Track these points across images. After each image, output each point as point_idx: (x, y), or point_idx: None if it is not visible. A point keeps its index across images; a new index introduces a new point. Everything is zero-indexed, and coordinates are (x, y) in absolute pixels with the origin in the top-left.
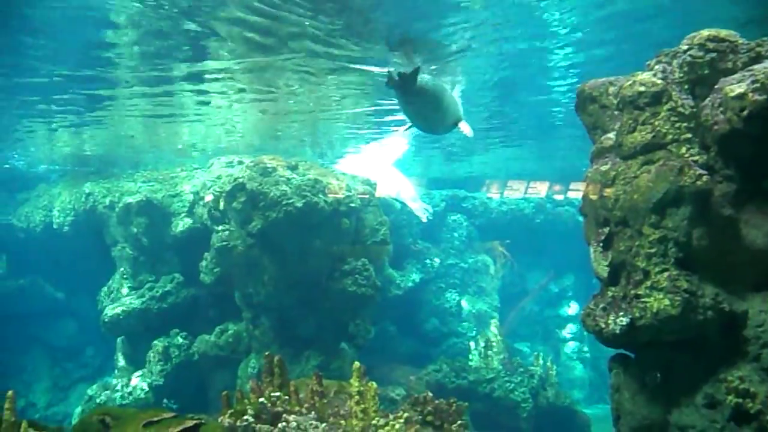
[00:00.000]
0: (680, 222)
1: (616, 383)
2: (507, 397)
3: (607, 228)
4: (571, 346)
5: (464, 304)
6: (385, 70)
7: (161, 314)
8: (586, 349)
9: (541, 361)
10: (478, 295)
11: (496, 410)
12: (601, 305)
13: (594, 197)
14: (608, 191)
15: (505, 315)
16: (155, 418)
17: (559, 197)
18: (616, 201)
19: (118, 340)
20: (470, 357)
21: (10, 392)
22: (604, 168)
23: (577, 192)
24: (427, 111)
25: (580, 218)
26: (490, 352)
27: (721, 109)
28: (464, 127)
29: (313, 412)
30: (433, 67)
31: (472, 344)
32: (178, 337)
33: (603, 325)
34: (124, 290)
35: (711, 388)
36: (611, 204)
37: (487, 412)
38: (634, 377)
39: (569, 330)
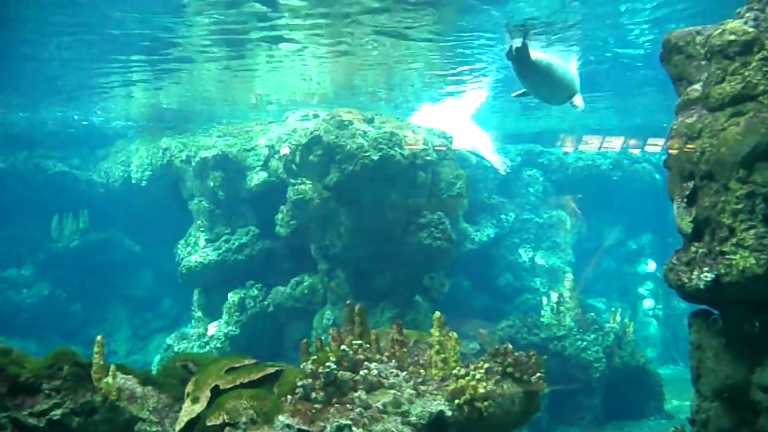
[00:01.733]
0: None
1: (697, 340)
2: (578, 356)
3: (692, 182)
4: (647, 304)
5: (538, 259)
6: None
7: (237, 266)
8: (660, 306)
9: (618, 318)
10: (553, 250)
11: (568, 367)
12: (685, 260)
13: (678, 150)
14: (694, 144)
15: (579, 270)
16: (237, 365)
17: (635, 151)
18: (701, 154)
19: (195, 291)
20: (542, 313)
21: (99, 337)
22: (689, 120)
23: (654, 146)
24: (539, 84)
25: (657, 176)
26: (562, 309)
27: None
28: (577, 101)
29: (393, 361)
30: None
31: (545, 300)
32: (254, 289)
33: (686, 280)
34: (201, 242)
35: None
36: (696, 158)
37: (559, 368)
38: (718, 335)
39: (646, 287)
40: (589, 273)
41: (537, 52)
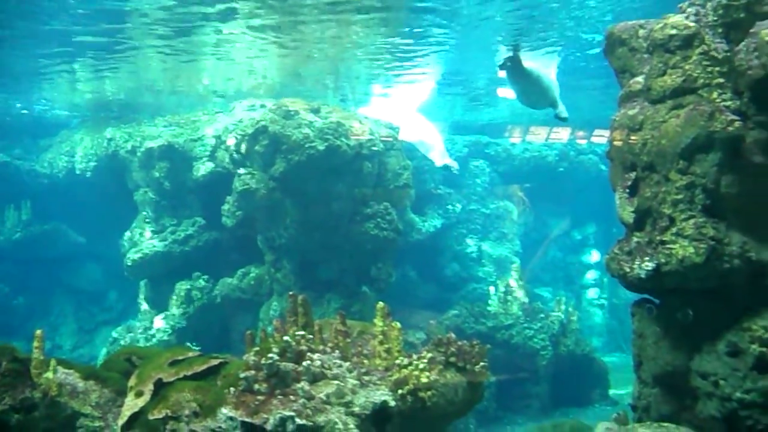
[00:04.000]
0: (709, 168)
1: (639, 329)
2: (526, 344)
3: (634, 173)
4: (591, 293)
5: (485, 249)
6: None
7: (183, 257)
8: (605, 296)
9: (563, 307)
10: (500, 240)
11: (515, 356)
12: (627, 249)
13: (621, 142)
14: (636, 136)
15: (526, 260)
16: (180, 357)
17: (582, 142)
18: (643, 146)
19: (141, 283)
20: (490, 302)
21: (38, 331)
22: (631, 112)
23: (600, 138)
24: (528, 90)
25: (603, 167)
26: (509, 298)
27: (756, 53)
28: (561, 110)
29: (336, 351)
30: None
31: (492, 289)
32: (200, 280)
33: (627, 270)
34: (147, 234)
35: (735, 337)
36: (638, 149)
37: (506, 357)
38: (659, 323)
39: (591, 276)
40: (536, 263)
41: (528, 62)
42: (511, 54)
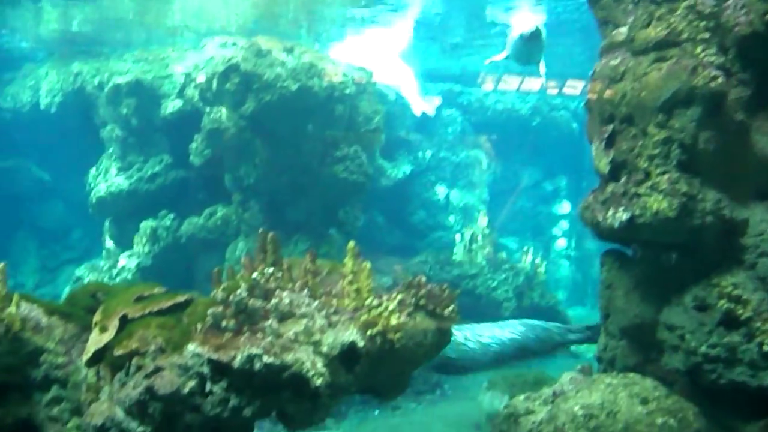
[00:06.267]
0: (688, 123)
1: (608, 279)
2: (489, 295)
3: (611, 126)
4: (560, 244)
5: (453, 197)
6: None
7: (150, 196)
8: (573, 247)
9: (530, 257)
10: (468, 188)
11: (479, 306)
12: (601, 199)
13: (600, 93)
14: (616, 87)
15: (493, 209)
16: (146, 293)
17: (553, 92)
18: (623, 97)
19: (106, 221)
20: (455, 251)
21: (0, 264)
22: (613, 62)
23: (572, 89)
24: (534, 53)
25: (575, 125)
26: (474, 247)
27: (744, 10)
28: (541, 67)
29: (306, 291)
30: None
31: (458, 237)
32: (166, 219)
33: (601, 219)
34: (113, 171)
35: (703, 292)
36: (618, 100)
37: (471, 306)
38: (629, 274)
39: (561, 227)
40: (505, 213)
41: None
42: (537, 26)
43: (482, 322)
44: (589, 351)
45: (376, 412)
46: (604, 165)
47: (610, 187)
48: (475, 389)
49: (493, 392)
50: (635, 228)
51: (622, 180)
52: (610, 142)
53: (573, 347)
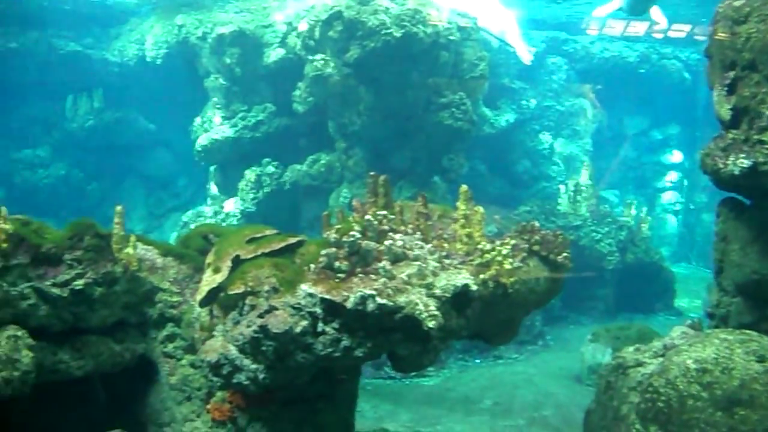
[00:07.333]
0: None
1: (723, 231)
2: (593, 247)
3: (733, 72)
4: (667, 197)
5: (557, 146)
6: None
7: (253, 143)
8: (683, 200)
9: (633, 212)
10: (572, 138)
11: (583, 257)
12: (722, 146)
13: (723, 36)
14: (739, 29)
15: (596, 159)
16: (258, 234)
17: (658, 36)
18: (746, 41)
19: (211, 169)
20: (559, 201)
21: (119, 207)
22: (737, 3)
23: (679, 33)
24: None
25: (687, 75)
26: (579, 198)
27: None
28: (657, 12)
29: (418, 233)
30: None
31: (562, 188)
32: (270, 166)
33: (722, 166)
34: (217, 120)
35: None
36: (741, 44)
37: (574, 257)
38: (747, 226)
39: (669, 179)
40: (614, 164)
41: None
42: None
43: (585, 273)
44: (692, 310)
45: (478, 361)
46: (725, 111)
47: (731, 134)
48: (576, 341)
49: (595, 345)
50: (757, 175)
51: (744, 127)
52: (731, 88)
53: (676, 304)
